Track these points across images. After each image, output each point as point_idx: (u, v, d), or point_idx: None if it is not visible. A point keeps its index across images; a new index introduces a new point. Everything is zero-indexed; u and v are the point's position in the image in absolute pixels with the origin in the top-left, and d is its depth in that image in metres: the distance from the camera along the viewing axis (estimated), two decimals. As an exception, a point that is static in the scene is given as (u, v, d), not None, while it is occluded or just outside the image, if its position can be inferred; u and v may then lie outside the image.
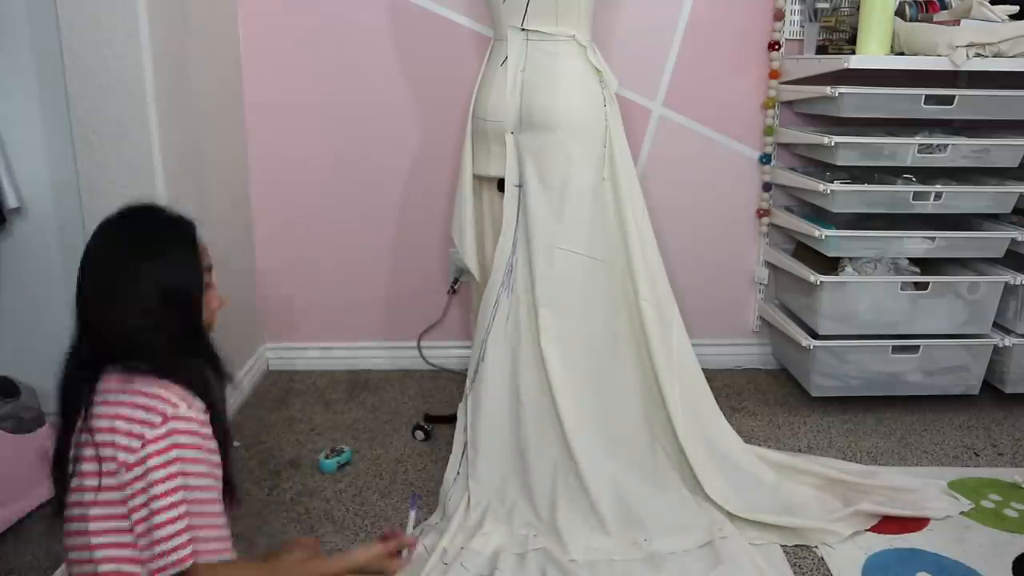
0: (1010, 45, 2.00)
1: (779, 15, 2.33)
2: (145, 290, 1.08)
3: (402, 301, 2.56)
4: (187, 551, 1.00)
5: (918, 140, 2.12)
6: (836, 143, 2.09)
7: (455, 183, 1.97)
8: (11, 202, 1.94)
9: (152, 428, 0.99)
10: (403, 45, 2.36)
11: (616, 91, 1.84)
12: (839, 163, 2.14)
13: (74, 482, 1.05)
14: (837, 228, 2.19)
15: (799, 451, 2.06)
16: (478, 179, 1.93)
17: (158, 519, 0.99)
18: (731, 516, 1.72)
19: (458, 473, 1.80)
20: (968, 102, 2.09)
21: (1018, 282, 2.18)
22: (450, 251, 2.43)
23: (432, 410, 2.27)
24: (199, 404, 1.07)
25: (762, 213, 2.48)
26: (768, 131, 2.42)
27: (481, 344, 1.82)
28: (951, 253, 2.23)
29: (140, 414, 1.01)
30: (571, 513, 1.70)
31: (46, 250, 2.02)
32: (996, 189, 2.18)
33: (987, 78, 2.09)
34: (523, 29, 1.77)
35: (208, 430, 1.06)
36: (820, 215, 2.32)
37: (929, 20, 2.16)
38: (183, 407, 1.03)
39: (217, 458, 1.08)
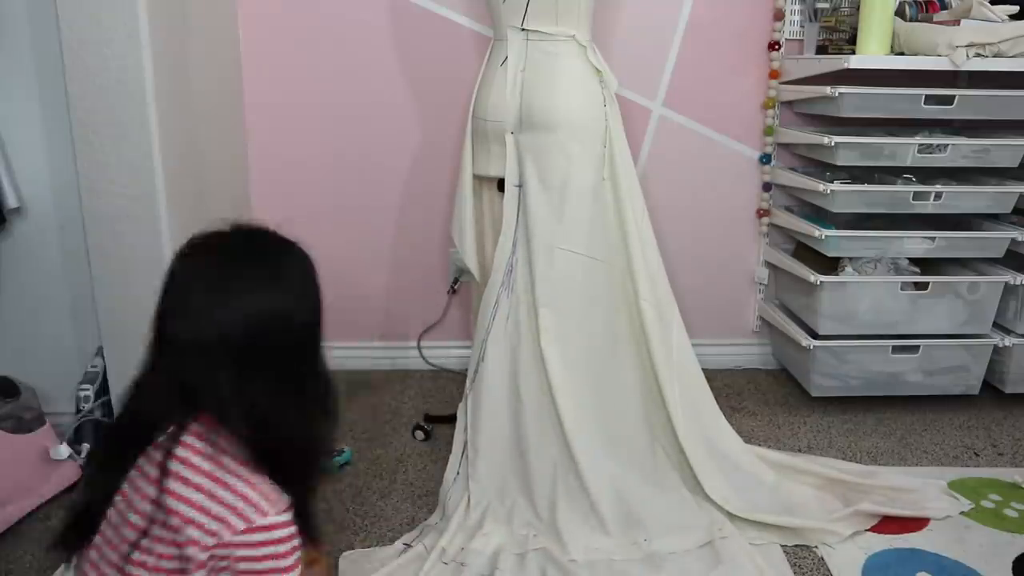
0: (1010, 45, 2.00)
1: (779, 15, 2.33)
2: (258, 313, 0.98)
3: (402, 301, 2.56)
4: None
5: (918, 140, 2.12)
6: (836, 143, 2.09)
7: (455, 183, 1.97)
8: (11, 202, 1.94)
9: (233, 533, 0.91)
10: (403, 45, 2.36)
11: (616, 91, 1.84)
12: (839, 163, 2.14)
13: (111, 528, 0.97)
14: (837, 228, 2.19)
15: (799, 451, 2.06)
16: (478, 179, 1.93)
17: None
18: (731, 516, 1.71)
19: (458, 473, 1.80)
20: (968, 102, 2.09)
21: (1018, 282, 2.18)
22: (450, 251, 2.43)
23: (432, 410, 2.27)
24: (285, 500, 0.96)
25: (762, 213, 2.48)
26: (768, 131, 2.42)
27: (481, 344, 1.82)
28: (951, 253, 2.23)
29: (221, 511, 0.92)
30: (571, 513, 1.70)
31: (46, 250, 2.02)
32: (996, 189, 2.18)
33: (987, 78, 2.09)
34: (523, 29, 1.77)
35: (292, 528, 0.96)
36: (820, 215, 2.32)
37: (929, 20, 2.16)
38: (272, 513, 0.93)
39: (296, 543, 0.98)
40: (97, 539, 0.99)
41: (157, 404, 0.98)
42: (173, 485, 0.92)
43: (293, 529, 0.95)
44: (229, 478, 0.93)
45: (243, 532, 0.91)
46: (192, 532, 0.90)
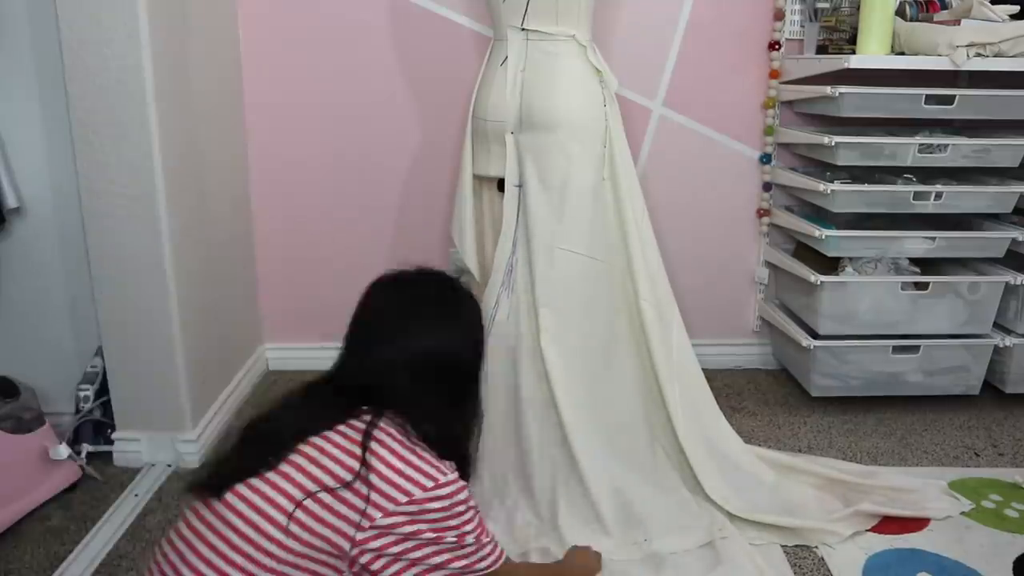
0: (1010, 45, 2.00)
1: (779, 15, 2.33)
2: (452, 346, 1.23)
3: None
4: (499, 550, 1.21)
5: (918, 140, 2.12)
6: (836, 143, 2.09)
7: (455, 183, 1.97)
8: (11, 202, 1.94)
9: (423, 491, 1.09)
10: (403, 45, 2.36)
11: (616, 91, 1.84)
12: (839, 163, 2.14)
13: (280, 473, 1.08)
14: (837, 228, 2.19)
15: (799, 451, 2.06)
16: (478, 179, 1.93)
17: (468, 537, 1.15)
18: (731, 516, 1.72)
19: (458, 473, 1.80)
20: (968, 102, 2.09)
21: (1018, 282, 2.17)
22: (450, 251, 2.42)
23: (432, 410, 2.26)
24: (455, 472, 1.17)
25: (762, 213, 2.48)
26: (768, 131, 2.42)
27: (481, 344, 1.82)
28: (951, 253, 2.22)
29: (413, 474, 1.10)
30: (571, 513, 1.70)
31: (46, 250, 2.03)
32: (996, 189, 2.18)
33: (987, 78, 2.08)
34: (523, 29, 1.77)
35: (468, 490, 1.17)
36: (820, 215, 2.31)
37: (929, 20, 2.16)
38: (450, 474, 1.13)
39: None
40: (284, 468, 1.08)
41: (349, 392, 1.18)
42: (378, 449, 1.10)
43: (468, 492, 1.16)
44: (417, 451, 1.12)
45: (432, 488, 1.09)
46: (388, 488, 1.07)
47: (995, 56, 2.01)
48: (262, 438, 1.14)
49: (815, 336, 2.22)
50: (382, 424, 1.13)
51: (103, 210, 1.83)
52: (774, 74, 2.37)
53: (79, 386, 2.01)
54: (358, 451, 1.08)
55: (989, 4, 2.02)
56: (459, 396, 1.26)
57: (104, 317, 1.90)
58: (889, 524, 1.73)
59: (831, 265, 2.24)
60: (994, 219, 2.30)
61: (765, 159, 2.44)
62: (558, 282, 1.78)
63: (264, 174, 2.44)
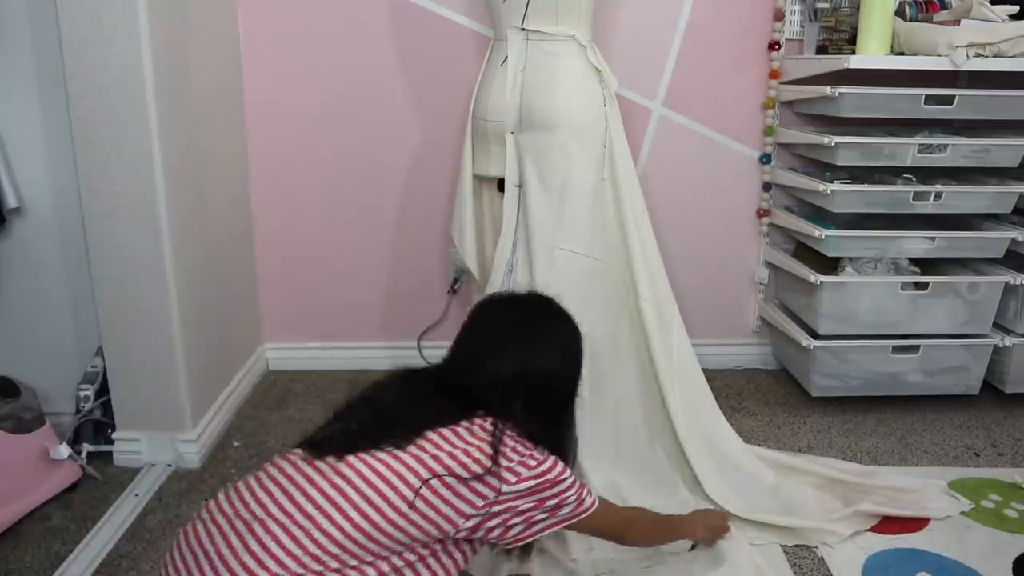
0: (1010, 45, 2.00)
1: (779, 15, 2.33)
2: (556, 365, 1.38)
3: (402, 301, 2.56)
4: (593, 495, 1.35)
5: (918, 140, 2.12)
6: (836, 143, 2.09)
7: (455, 183, 1.97)
8: (11, 202, 1.94)
9: (529, 469, 1.24)
10: (403, 45, 2.36)
11: (616, 91, 1.84)
12: (839, 163, 2.14)
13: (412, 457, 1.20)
14: (837, 228, 2.19)
15: (799, 451, 2.06)
16: (478, 179, 1.93)
17: (570, 497, 1.29)
18: (731, 516, 1.71)
19: (458, 473, 1.80)
20: (968, 102, 2.09)
21: (1018, 282, 2.18)
22: (450, 251, 2.43)
23: (432, 410, 2.26)
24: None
25: (762, 213, 2.48)
26: (768, 131, 2.42)
27: (481, 344, 1.82)
28: (951, 253, 2.23)
29: (523, 459, 1.25)
30: (571, 513, 1.70)
31: (46, 250, 2.02)
32: (996, 189, 2.18)
33: (987, 78, 2.09)
34: (523, 29, 1.77)
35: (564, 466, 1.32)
36: (820, 215, 2.32)
37: (929, 20, 2.16)
38: (548, 454, 1.28)
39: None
40: (413, 450, 1.19)
41: (450, 392, 1.31)
42: (503, 448, 1.24)
43: (563, 465, 1.30)
44: (521, 442, 1.27)
45: (535, 467, 1.25)
46: (507, 474, 1.22)
47: (995, 56, 2.01)
48: (384, 419, 1.26)
49: (815, 336, 2.23)
50: (506, 433, 1.27)
51: (103, 210, 1.83)
52: (774, 74, 2.37)
53: (79, 386, 2.02)
54: (486, 448, 1.23)
55: (989, 4, 2.02)
56: (555, 413, 1.38)
57: (104, 317, 1.90)
58: (889, 524, 1.73)
59: (831, 265, 2.24)
60: (994, 219, 2.31)
61: (765, 159, 2.44)
62: (558, 282, 1.78)
63: (264, 174, 2.44)
